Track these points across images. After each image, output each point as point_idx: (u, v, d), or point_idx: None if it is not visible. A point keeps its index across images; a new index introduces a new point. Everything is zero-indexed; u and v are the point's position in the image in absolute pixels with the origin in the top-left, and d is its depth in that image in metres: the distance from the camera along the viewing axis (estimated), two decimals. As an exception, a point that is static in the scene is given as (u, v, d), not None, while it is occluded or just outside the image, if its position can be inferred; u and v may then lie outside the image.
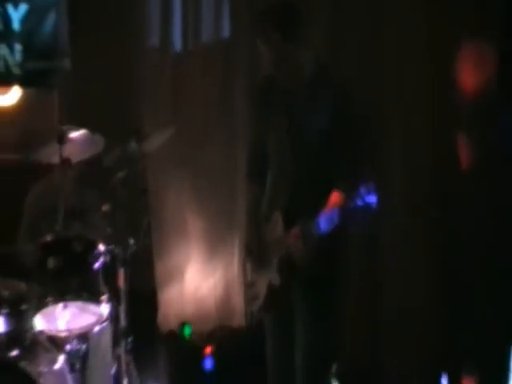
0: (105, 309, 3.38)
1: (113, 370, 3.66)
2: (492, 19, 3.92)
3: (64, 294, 3.25)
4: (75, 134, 3.35)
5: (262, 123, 3.14)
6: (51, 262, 3.27)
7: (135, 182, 3.55)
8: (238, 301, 4.32)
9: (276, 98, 3.03)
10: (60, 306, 3.29)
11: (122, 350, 3.63)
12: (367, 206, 2.71)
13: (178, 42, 4.42)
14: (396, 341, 3.96)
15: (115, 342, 3.66)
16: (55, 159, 3.35)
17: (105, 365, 3.62)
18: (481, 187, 3.38)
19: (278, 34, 2.85)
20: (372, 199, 2.72)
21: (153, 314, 4.33)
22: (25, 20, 4.56)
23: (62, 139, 3.26)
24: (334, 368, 3.44)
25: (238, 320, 4.32)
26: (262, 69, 3.34)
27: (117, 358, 3.66)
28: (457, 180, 3.60)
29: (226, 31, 4.39)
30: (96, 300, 3.35)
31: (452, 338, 3.59)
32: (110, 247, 3.39)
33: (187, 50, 4.38)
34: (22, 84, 4.56)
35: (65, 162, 3.29)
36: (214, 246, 4.33)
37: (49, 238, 3.36)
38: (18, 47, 4.57)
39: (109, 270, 3.44)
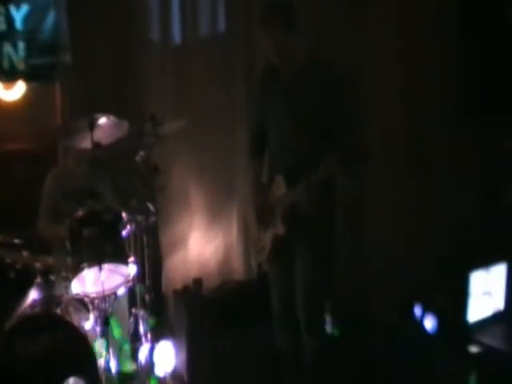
0: (132, 270, 3.81)
1: (131, 327, 4.05)
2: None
3: (99, 259, 3.60)
4: (103, 120, 3.69)
5: (262, 104, 3.66)
6: (87, 232, 3.67)
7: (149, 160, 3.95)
8: (238, 261, 4.83)
9: (275, 81, 3.55)
10: (94, 269, 3.67)
11: (139, 308, 4.02)
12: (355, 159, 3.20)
13: (177, 35, 4.70)
14: (379, 278, 4.60)
15: (132, 301, 4.06)
16: (87, 144, 3.68)
17: (124, 321, 4.04)
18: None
19: (278, 26, 3.35)
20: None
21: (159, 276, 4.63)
22: (26, 19, 4.72)
23: (92, 125, 3.61)
24: (328, 305, 3.95)
25: (238, 277, 4.79)
26: (260, 56, 3.85)
27: (134, 316, 4.04)
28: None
29: (222, 23, 4.74)
30: (125, 262, 3.77)
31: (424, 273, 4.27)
32: (135, 216, 3.83)
33: (187, 42, 4.69)
34: (26, 79, 4.79)
35: (96, 145, 3.64)
36: (215, 214, 4.80)
37: (81, 212, 3.73)
38: (21, 45, 4.74)
39: (134, 236, 3.88)
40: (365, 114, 4.39)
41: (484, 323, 3.81)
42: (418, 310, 3.84)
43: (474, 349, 3.55)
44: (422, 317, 3.80)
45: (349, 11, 4.69)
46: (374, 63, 4.69)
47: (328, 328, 4.02)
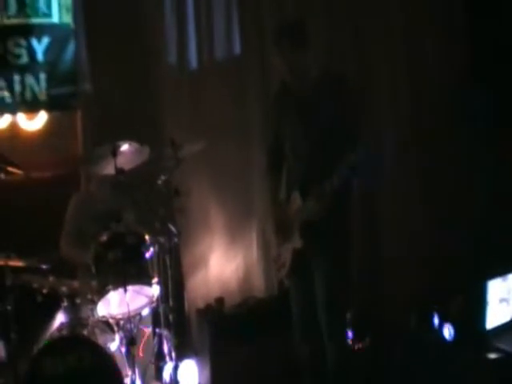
0: (155, 291, 3.91)
1: (155, 347, 4.11)
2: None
3: (123, 281, 3.71)
4: (125, 147, 3.84)
5: (277, 121, 3.79)
6: (111, 255, 3.79)
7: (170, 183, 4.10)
8: (258, 279, 4.88)
9: (288, 99, 3.69)
10: (118, 291, 3.78)
11: (162, 328, 4.11)
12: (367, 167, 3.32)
13: (193, 58, 4.83)
14: (397, 288, 4.65)
15: (156, 321, 4.14)
16: (110, 170, 3.84)
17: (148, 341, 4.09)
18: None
19: (290, 46, 3.52)
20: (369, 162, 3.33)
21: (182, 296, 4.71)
22: (47, 51, 4.88)
23: (115, 152, 3.76)
24: (348, 314, 3.97)
25: (259, 294, 4.83)
26: (274, 76, 3.97)
27: (158, 336, 4.12)
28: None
29: (237, 46, 4.88)
30: (149, 283, 3.87)
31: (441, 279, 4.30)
32: (157, 238, 3.97)
33: (203, 65, 4.83)
34: (48, 109, 4.93)
35: (119, 171, 3.79)
36: (235, 233, 4.88)
37: (105, 235, 3.86)
38: (42, 76, 4.88)
39: (157, 257, 4.00)
40: (374, 125, 4.50)
41: (502, 330, 3.84)
42: (435, 319, 3.88)
43: (492, 355, 3.58)
44: (441, 325, 3.84)
45: (356, 25, 4.86)
46: (381, 75, 4.84)
47: (348, 337, 4.06)
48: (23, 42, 4.89)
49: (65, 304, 3.95)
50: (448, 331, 3.80)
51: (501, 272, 3.87)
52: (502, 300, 3.88)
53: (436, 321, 3.88)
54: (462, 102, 4.71)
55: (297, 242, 3.64)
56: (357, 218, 4.05)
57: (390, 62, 4.86)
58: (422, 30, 4.91)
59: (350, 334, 4.11)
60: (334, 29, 4.83)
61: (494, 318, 3.83)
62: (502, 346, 3.66)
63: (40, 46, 4.93)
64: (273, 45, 3.60)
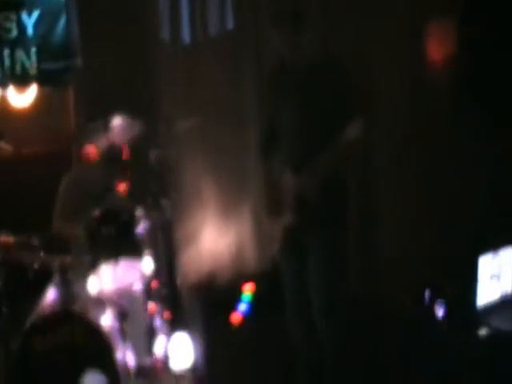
0: (148, 266, 3.91)
1: (147, 321, 4.06)
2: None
3: (115, 256, 3.78)
4: (117, 121, 3.87)
5: (272, 100, 3.75)
6: (104, 230, 3.80)
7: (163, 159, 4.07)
8: (251, 255, 4.90)
9: (285, 77, 3.66)
10: (110, 266, 3.81)
11: (155, 302, 4.03)
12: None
13: (187, 34, 4.82)
14: (391, 266, 4.67)
15: (148, 295, 4.07)
16: (102, 144, 3.87)
17: (139, 316, 4.04)
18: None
19: (288, 24, 3.49)
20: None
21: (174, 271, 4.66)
22: (38, 24, 4.91)
23: (106, 126, 3.80)
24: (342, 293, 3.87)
25: (251, 271, 4.88)
26: (270, 54, 3.96)
27: (150, 310, 4.02)
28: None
29: (230, 22, 4.85)
30: (140, 258, 3.87)
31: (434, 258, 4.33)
32: (150, 214, 3.93)
33: (196, 41, 4.82)
34: (39, 83, 4.95)
35: (110, 146, 3.84)
36: (228, 210, 4.89)
37: (98, 211, 3.85)
38: (33, 50, 4.90)
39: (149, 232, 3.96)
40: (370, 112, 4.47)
41: (493, 306, 3.86)
42: (428, 296, 3.90)
43: (483, 332, 3.60)
44: (432, 302, 3.86)
45: (355, 7, 4.76)
46: (380, 57, 4.77)
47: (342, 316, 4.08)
48: (13, 16, 4.89)
49: (56, 279, 3.91)
50: (440, 308, 3.82)
51: (493, 247, 3.88)
52: (493, 276, 3.91)
53: (428, 298, 3.90)
54: (461, 101, 4.68)
55: (288, 219, 3.62)
56: (354, 212, 4.04)
57: (390, 49, 4.77)
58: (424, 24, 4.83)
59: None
60: (333, 11, 4.76)
61: (485, 295, 3.85)
62: (493, 322, 3.68)
63: (30, 20, 4.93)
64: (271, 23, 3.57)
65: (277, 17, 3.58)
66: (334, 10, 4.76)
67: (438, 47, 4.66)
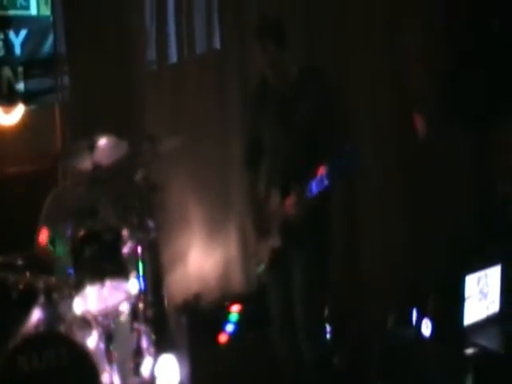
0: (133, 286, 3.91)
1: (133, 342, 4.07)
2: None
3: (100, 277, 3.74)
4: (103, 141, 3.82)
5: (256, 119, 3.79)
6: (88, 251, 3.77)
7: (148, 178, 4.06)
8: (237, 275, 4.88)
9: (268, 94, 3.69)
10: (95, 287, 3.78)
11: (141, 323, 4.06)
12: (347, 167, 3.28)
13: (173, 54, 4.81)
14: (376, 284, 4.69)
15: (135, 316, 4.09)
16: (87, 165, 3.83)
17: (126, 337, 4.06)
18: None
19: (272, 44, 3.54)
20: (351, 162, 3.27)
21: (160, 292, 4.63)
22: (25, 43, 4.88)
23: (92, 147, 3.75)
24: (325, 313, 3.97)
25: (237, 291, 4.84)
26: (255, 73, 3.99)
27: (136, 331, 4.07)
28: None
29: (217, 41, 4.88)
30: (126, 279, 3.86)
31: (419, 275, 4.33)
32: (135, 234, 3.93)
33: (182, 60, 4.81)
34: (26, 102, 4.90)
35: (96, 166, 3.80)
36: (214, 229, 4.86)
37: (82, 231, 3.82)
38: (20, 69, 4.88)
39: (135, 253, 3.98)
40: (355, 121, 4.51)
41: (479, 325, 3.86)
42: (414, 315, 3.90)
43: (469, 351, 3.60)
44: (419, 321, 3.85)
45: (334, 22, 4.84)
46: (361, 70, 4.82)
47: (326, 336, 4.07)
48: (0, 35, 4.85)
49: (41, 300, 3.90)
50: (426, 327, 3.81)
51: (479, 266, 3.89)
52: (481, 295, 3.91)
53: (414, 317, 3.89)
54: (451, 97, 4.72)
55: (275, 241, 3.64)
56: (337, 219, 4.06)
57: (371, 56, 4.83)
58: (405, 23, 4.87)
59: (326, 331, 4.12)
60: (313, 26, 4.80)
61: (472, 314, 3.85)
62: (480, 341, 3.68)
63: (17, 39, 4.91)
64: (255, 43, 3.60)
65: (259, 35, 3.60)
66: (317, 28, 4.79)
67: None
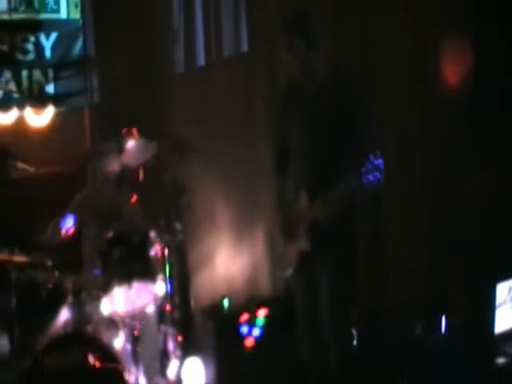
0: (161, 288, 3.89)
1: (160, 344, 4.10)
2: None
3: (127, 278, 3.73)
4: (132, 143, 3.83)
5: (284, 120, 3.78)
6: (116, 253, 3.78)
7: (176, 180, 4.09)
8: (264, 278, 4.87)
9: (296, 96, 3.68)
10: (123, 288, 3.76)
11: (168, 326, 4.10)
12: (375, 169, 3.27)
13: (201, 56, 4.86)
14: (405, 291, 4.60)
15: (161, 318, 4.13)
16: (116, 166, 3.84)
17: (152, 339, 4.10)
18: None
19: (299, 40, 3.52)
20: (379, 164, 3.27)
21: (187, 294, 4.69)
22: (55, 46, 4.95)
23: (120, 148, 3.76)
24: (353, 317, 3.92)
25: (264, 294, 4.82)
26: (283, 75, 3.98)
27: (163, 333, 4.11)
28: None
29: (244, 44, 4.89)
30: (153, 281, 3.84)
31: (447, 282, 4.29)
32: (163, 236, 3.95)
33: (211, 62, 4.85)
34: (56, 105, 4.97)
35: (124, 168, 3.81)
36: (241, 231, 4.86)
37: (110, 232, 3.83)
38: (50, 71, 4.96)
39: (162, 255, 3.98)
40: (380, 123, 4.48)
41: (511, 334, 3.81)
42: (443, 322, 3.86)
43: (500, 360, 3.55)
44: (448, 329, 3.81)
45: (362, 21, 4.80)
46: (387, 69, 4.78)
47: (353, 339, 4.05)
48: (31, 38, 4.93)
49: (69, 300, 3.92)
50: (455, 335, 3.78)
51: (509, 275, 3.84)
52: (511, 303, 3.85)
53: (443, 324, 3.85)
54: (468, 103, 4.67)
55: (303, 243, 3.63)
56: (364, 224, 4.01)
57: (396, 61, 4.79)
58: (429, 30, 4.83)
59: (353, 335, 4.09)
60: (340, 26, 4.77)
61: (502, 322, 3.80)
62: (510, 350, 3.63)
63: (48, 42, 4.98)
64: (283, 43, 3.58)
65: (286, 30, 3.59)
66: (345, 28, 4.76)
67: (452, 66, 4.66)
